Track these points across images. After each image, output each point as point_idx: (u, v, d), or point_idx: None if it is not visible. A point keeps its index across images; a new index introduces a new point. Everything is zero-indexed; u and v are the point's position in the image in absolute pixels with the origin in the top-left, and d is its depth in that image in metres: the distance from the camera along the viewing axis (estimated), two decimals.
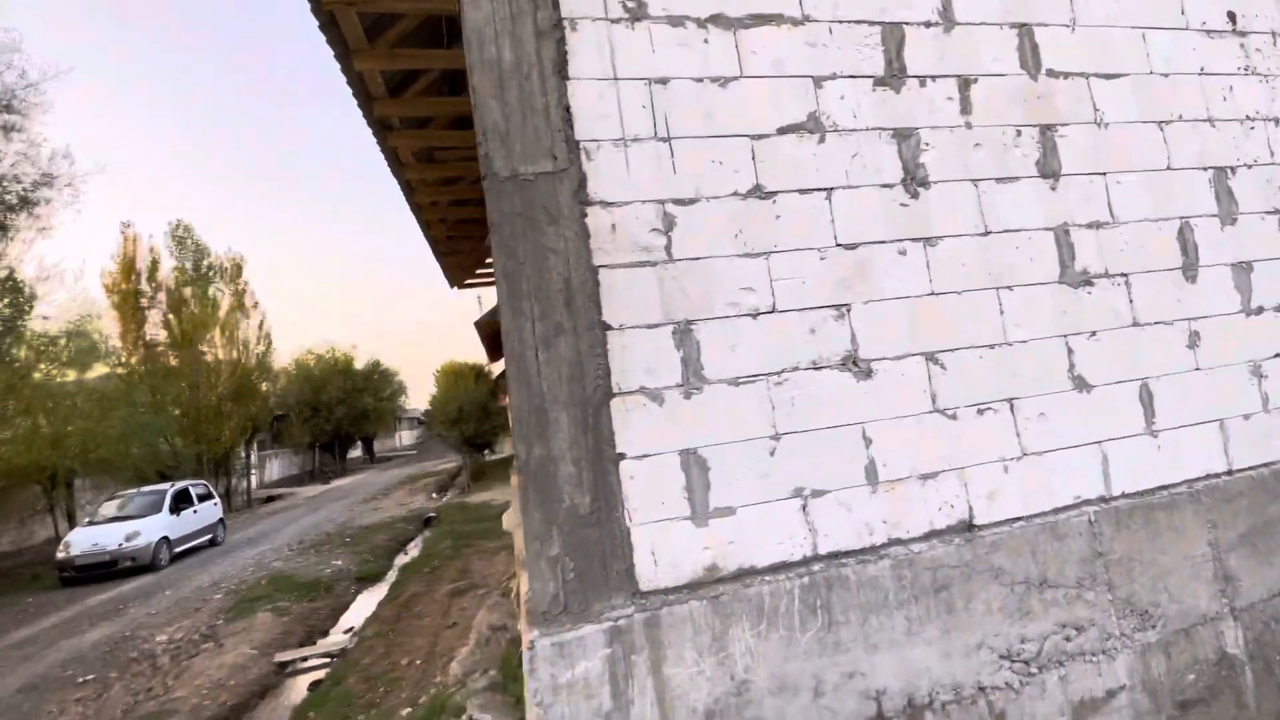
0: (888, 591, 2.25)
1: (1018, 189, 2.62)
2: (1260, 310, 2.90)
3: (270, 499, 21.23)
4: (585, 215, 2.18)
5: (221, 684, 5.22)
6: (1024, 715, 2.31)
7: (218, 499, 13.08)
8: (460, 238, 8.98)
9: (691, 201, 2.29)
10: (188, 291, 18.03)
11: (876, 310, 2.41)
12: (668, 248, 2.25)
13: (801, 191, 2.39)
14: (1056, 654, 2.38)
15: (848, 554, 2.28)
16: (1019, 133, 2.65)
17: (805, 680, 2.13)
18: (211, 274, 18.96)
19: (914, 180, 2.51)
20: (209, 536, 12.24)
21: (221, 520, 12.83)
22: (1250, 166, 2.99)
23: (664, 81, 2.31)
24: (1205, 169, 2.91)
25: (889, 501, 2.35)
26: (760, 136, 2.38)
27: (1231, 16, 3.06)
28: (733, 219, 2.31)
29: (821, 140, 2.43)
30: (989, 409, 2.48)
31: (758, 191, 2.35)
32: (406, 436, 55.36)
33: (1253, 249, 2.94)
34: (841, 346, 2.37)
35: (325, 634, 6.67)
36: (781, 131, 2.40)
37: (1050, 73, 2.72)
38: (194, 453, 16.22)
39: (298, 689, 5.26)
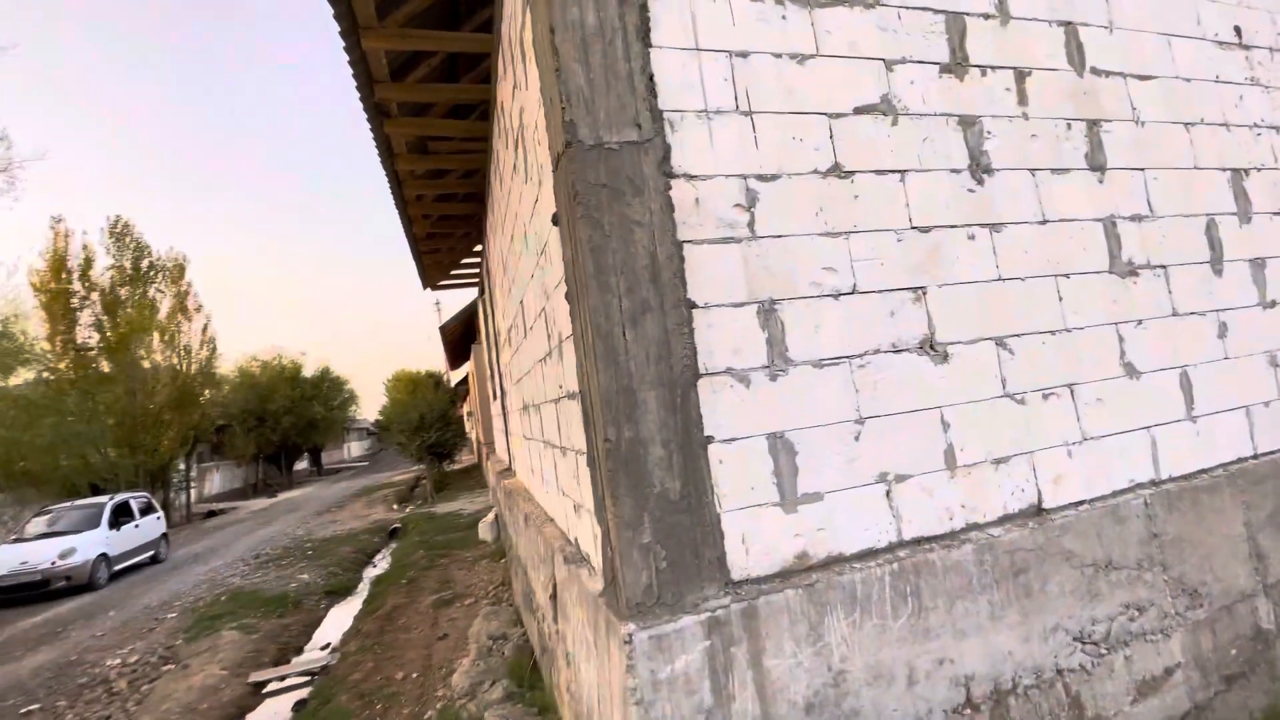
0: (971, 576, 2.22)
1: (1070, 180, 2.68)
2: (1274, 304, 3.06)
3: (211, 514, 19.94)
4: (670, 188, 2.09)
5: (192, 708, 4.78)
6: (1095, 696, 2.32)
7: (160, 513, 12.14)
8: (441, 235, 8.69)
9: (774, 178, 2.23)
10: (124, 292, 16.81)
11: (950, 294, 2.41)
12: (751, 224, 2.18)
13: (877, 172, 2.37)
14: (1122, 634, 2.41)
15: (931, 539, 2.25)
16: (1070, 126, 2.72)
17: (899, 669, 2.08)
18: (152, 274, 17.73)
19: (979, 167, 2.53)
20: (151, 553, 11.32)
21: (165, 535, 11.90)
22: (1260, 170, 3.16)
23: (744, 55, 2.25)
24: (1224, 170, 3.05)
25: (966, 486, 2.33)
26: (838, 115, 2.35)
27: (1238, 31, 3.24)
28: (813, 197, 2.27)
29: (894, 123, 2.42)
30: (1053, 394, 2.51)
31: (837, 170, 2.31)
32: (355, 448, 53.25)
33: (1265, 246, 3.10)
34: (919, 329, 2.35)
35: (300, 651, 6.23)
36: (857, 112, 2.37)
37: (1094, 70, 2.80)
38: (132, 464, 15.03)
39: (280, 710, 4.88)
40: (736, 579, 2.01)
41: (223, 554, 11.54)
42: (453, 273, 10.99)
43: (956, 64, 2.56)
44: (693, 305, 2.07)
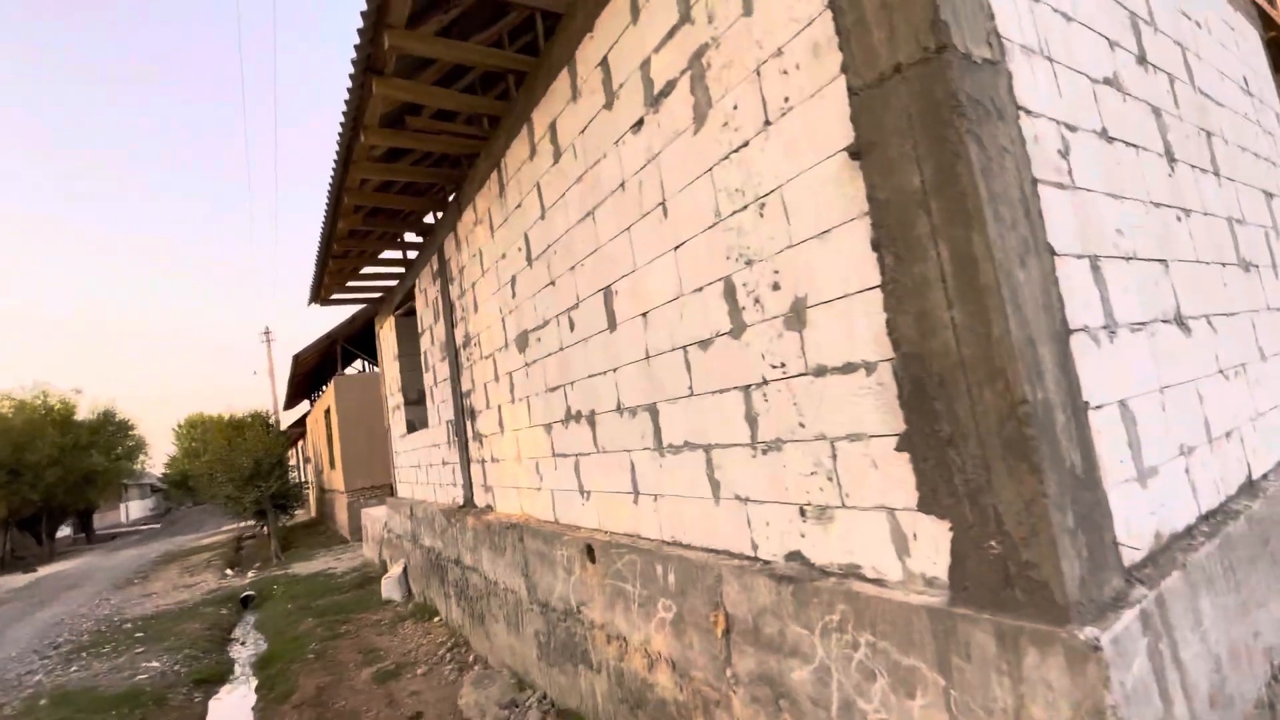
0: (1251, 548, 2.17)
1: (1209, 180, 2.91)
2: None
3: None
4: (1019, 118, 1.85)
5: None
6: None
7: None
8: (361, 234, 7.46)
9: (1074, 129, 2.09)
10: None
11: (1181, 270, 2.43)
12: (1070, 173, 2.00)
13: (1126, 143, 2.34)
14: None
15: (1214, 513, 2.17)
16: (1199, 132, 2.96)
17: (1240, 646, 1.93)
18: None
19: (1169, 155, 2.63)
20: None
21: None
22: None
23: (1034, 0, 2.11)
24: (1263, 191, 3.54)
25: (1218, 459, 2.31)
26: (1093, 81, 2.29)
27: (1245, 80, 3.86)
28: (1098, 155, 2.16)
29: (1124, 100, 2.43)
30: (1239, 372, 2.62)
31: (1105, 134, 2.24)
32: (135, 508, 43.38)
33: None
34: (1171, 302, 2.32)
35: None
36: (1105, 82, 2.34)
37: (1200, 90, 3.11)
38: None
39: None
40: (1126, 565, 1.73)
41: None
42: (349, 284, 9.52)
43: (1141, 59, 2.67)
44: (1052, 251, 1.82)
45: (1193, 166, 2.79)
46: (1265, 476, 2.60)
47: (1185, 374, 2.26)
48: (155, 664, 6.75)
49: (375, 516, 11.81)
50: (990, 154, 1.70)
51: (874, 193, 1.89)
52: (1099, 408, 1.80)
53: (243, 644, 8.00)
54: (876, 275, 1.91)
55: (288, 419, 29.31)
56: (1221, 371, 2.51)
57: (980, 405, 1.66)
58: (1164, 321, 2.23)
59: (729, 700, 2.56)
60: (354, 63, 4.15)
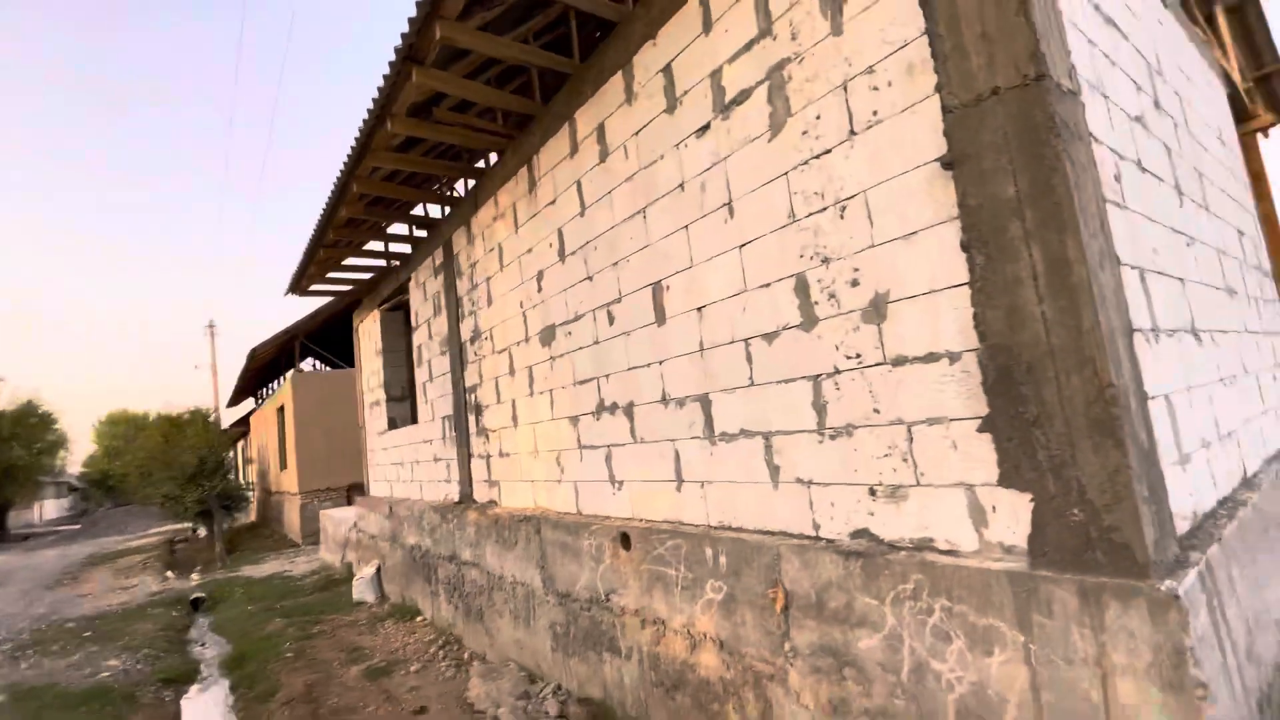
0: (1258, 532, 2.47)
1: (1203, 214, 3.29)
2: None
3: None
4: (1091, 143, 2.11)
5: None
6: None
7: None
8: (356, 223, 7.35)
9: (1123, 157, 2.37)
10: None
11: (1193, 289, 2.76)
12: (1122, 195, 2.28)
13: (1153, 175, 2.66)
14: None
15: (1226, 500, 2.47)
16: (1195, 172, 3.36)
17: (1262, 615, 2.20)
18: None
19: (1178, 188, 2.98)
20: None
21: None
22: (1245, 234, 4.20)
23: (1092, 44, 2.40)
24: (1229, 224, 4.01)
25: (1225, 454, 2.62)
26: (1130, 118, 2.60)
27: (1221, 135, 4.35)
28: (1138, 183, 2.46)
29: (1149, 137, 2.76)
30: (1232, 381, 2.97)
31: (1140, 165, 2.55)
32: (51, 507, 40.08)
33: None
34: (1189, 315, 2.63)
35: None
36: (1137, 120, 2.66)
37: (1190, 135, 3.52)
38: None
39: None
40: (1178, 535, 1.98)
41: None
42: (330, 276, 9.30)
43: (1157, 104, 3.02)
44: (1118, 260, 2.07)
45: (1193, 201, 3.17)
46: (1256, 474, 2.94)
47: (1201, 378, 2.56)
48: (115, 662, 6.36)
49: (339, 518, 11.41)
50: (1078, 171, 1.94)
51: (965, 200, 2.11)
52: (1153, 398, 2.06)
53: (203, 645, 7.60)
54: (964, 273, 2.12)
55: (229, 417, 27.87)
56: (1222, 380, 2.85)
57: (1067, 389, 1.88)
58: (1185, 331, 2.54)
59: (785, 673, 2.70)
60: (396, 50, 4.18)
